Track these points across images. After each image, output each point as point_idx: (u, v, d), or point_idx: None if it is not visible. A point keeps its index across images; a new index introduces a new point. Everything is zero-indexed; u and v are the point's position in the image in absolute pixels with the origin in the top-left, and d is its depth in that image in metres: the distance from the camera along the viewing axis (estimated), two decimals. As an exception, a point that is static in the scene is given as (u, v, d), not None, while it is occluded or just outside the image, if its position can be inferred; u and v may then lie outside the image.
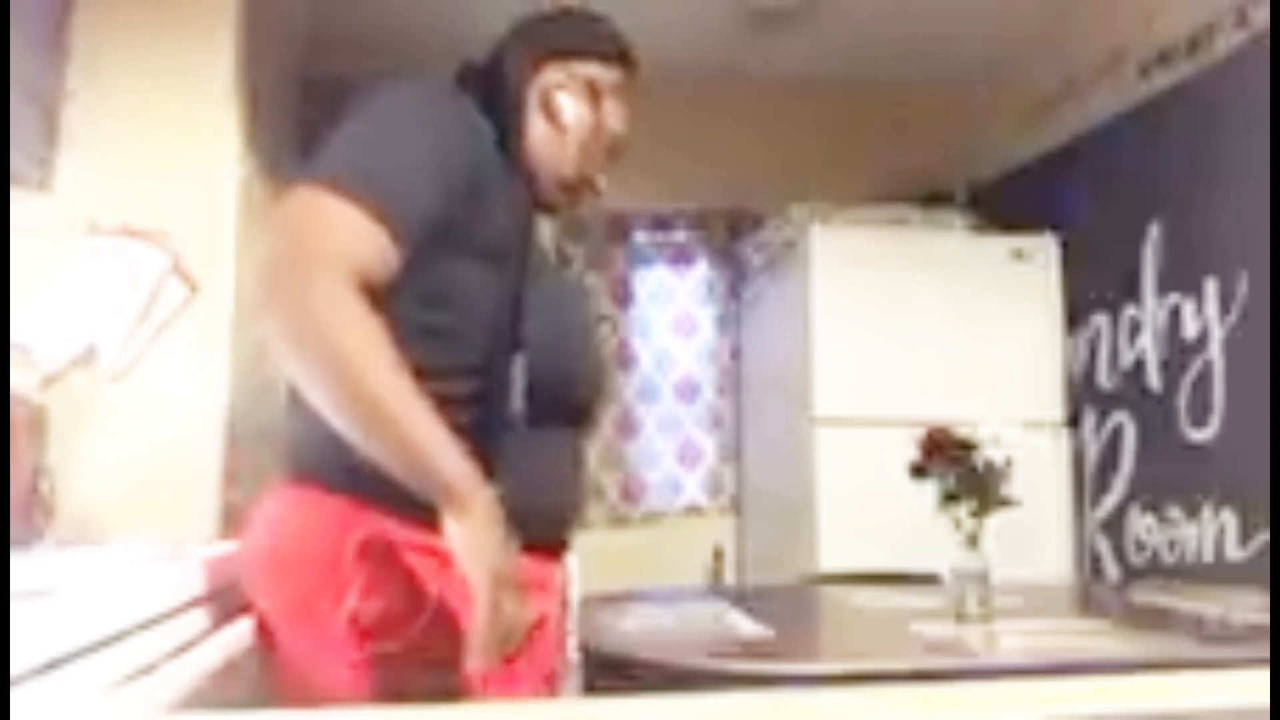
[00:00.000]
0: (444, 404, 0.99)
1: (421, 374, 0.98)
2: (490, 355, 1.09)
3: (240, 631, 1.50)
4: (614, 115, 1.28)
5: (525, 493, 1.05)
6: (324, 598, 1.02)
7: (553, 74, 1.25)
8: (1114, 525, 2.75)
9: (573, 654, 1.23)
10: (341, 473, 1.01)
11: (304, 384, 0.96)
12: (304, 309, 0.92)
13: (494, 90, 1.23)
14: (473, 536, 0.94)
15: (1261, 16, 2.31)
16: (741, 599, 1.96)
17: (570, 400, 1.21)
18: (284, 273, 0.94)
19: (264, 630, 1.13)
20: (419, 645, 1.01)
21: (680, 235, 3.53)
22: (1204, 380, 2.44)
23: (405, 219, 0.99)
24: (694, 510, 3.44)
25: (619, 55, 1.30)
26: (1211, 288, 2.43)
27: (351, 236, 0.96)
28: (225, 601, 1.54)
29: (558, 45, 1.27)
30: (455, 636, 0.99)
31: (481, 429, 1.05)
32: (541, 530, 1.14)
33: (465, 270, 1.10)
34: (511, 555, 0.97)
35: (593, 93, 1.26)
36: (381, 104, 1.12)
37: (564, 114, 1.24)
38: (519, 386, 1.09)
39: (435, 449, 0.94)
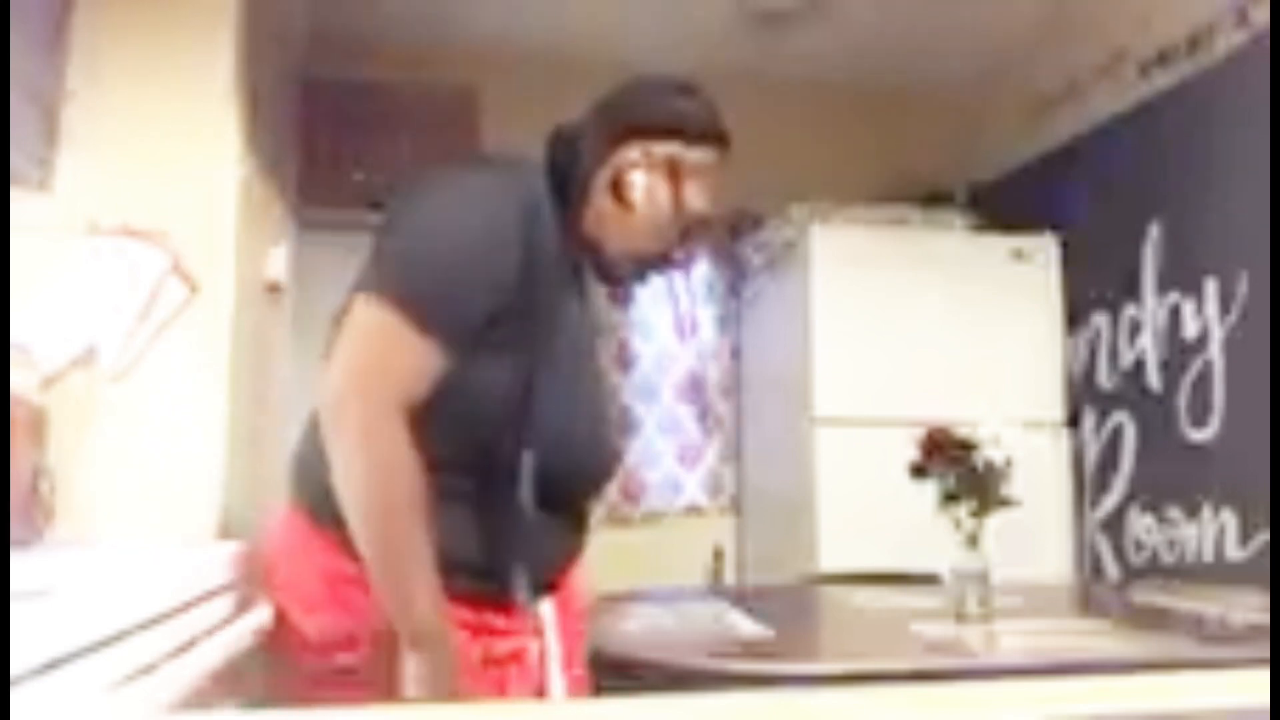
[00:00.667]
0: (446, 467, 1.07)
1: (427, 439, 1.05)
2: (501, 437, 1.13)
3: (239, 631, 1.49)
4: (695, 195, 1.26)
5: (513, 559, 1.14)
6: (297, 607, 1.14)
7: (629, 152, 1.23)
8: (1114, 525, 2.75)
9: (558, 689, 1.25)
10: (325, 512, 1.10)
11: (342, 492, 1.06)
12: (354, 442, 1.04)
13: (571, 162, 1.24)
14: (426, 671, 1.04)
15: (1261, 16, 2.31)
16: (741, 599, 1.96)
17: (572, 493, 1.24)
18: (343, 397, 1.05)
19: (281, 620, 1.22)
20: (371, 663, 1.08)
21: (680, 235, 3.53)
22: (1204, 380, 2.44)
23: (454, 328, 1.07)
24: (694, 510, 3.44)
25: (705, 134, 1.28)
26: (1211, 288, 2.43)
27: (403, 358, 1.05)
28: (224, 600, 1.54)
29: (638, 122, 1.25)
30: (394, 661, 1.07)
31: (482, 501, 1.13)
32: (524, 590, 1.18)
33: (488, 364, 1.12)
34: (450, 678, 1.05)
35: (672, 171, 1.24)
36: (434, 205, 1.14)
37: (633, 192, 1.22)
38: (528, 479, 1.13)
39: (422, 597, 1.04)
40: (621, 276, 1.29)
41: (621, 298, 3.44)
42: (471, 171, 1.21)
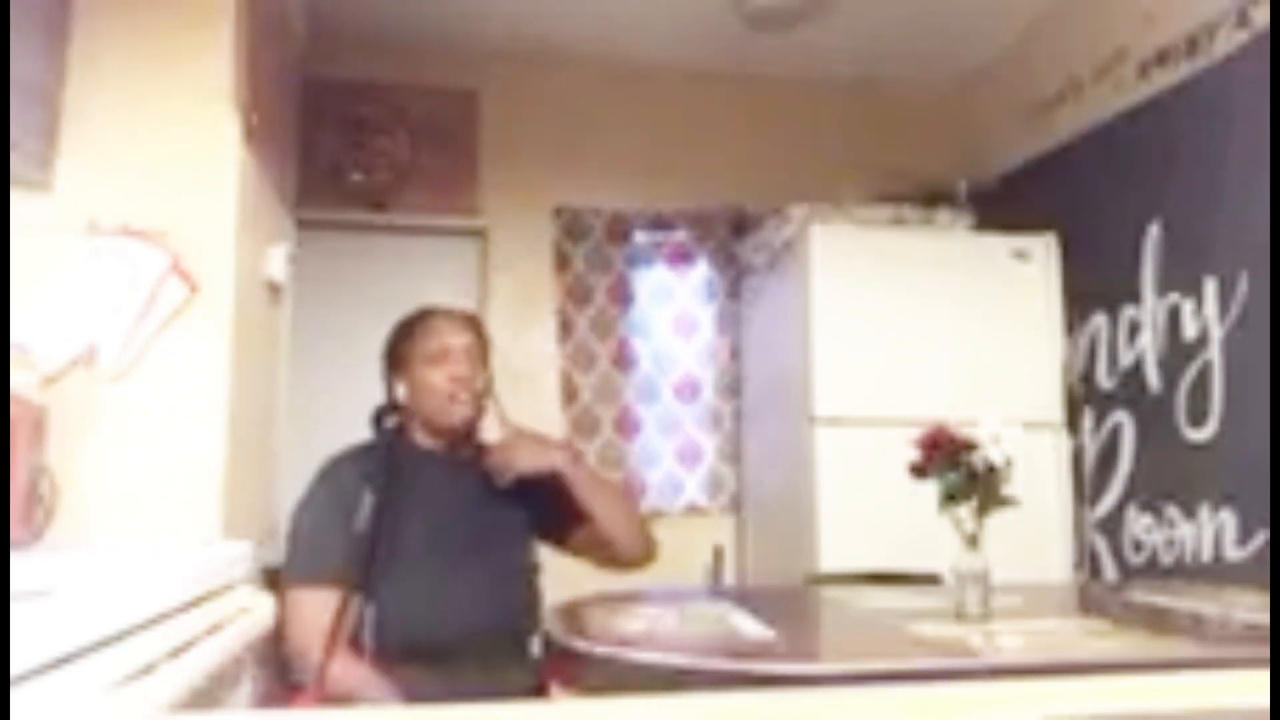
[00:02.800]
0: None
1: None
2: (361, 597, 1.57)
3: (238, 631, 1.49)
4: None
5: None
6: None
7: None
8: (1112, 525, 2.75)
9: None
10: None
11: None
12: (331, 682, 1.47)
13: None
14: None
15: (1261, 16, 2.31)
16: (742, 599, 1.96)
17: (423, 646, 1.55)
18: (293, 651, 1.51)
19: None
20: None
21: (680, 235, 3.53)
22: (1203, 380, 2.44)
23: (339, 569, 1.52)
24: (694, 510, 3.44)
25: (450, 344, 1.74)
26: (1211, 288, 2.43)
27: (319, 608, 1.49)
28: (225, 600, 1.54)
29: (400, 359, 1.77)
30: None
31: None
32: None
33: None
34: None
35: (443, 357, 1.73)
36: (303, 517, 1.65)
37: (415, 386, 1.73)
38: (368, 629, 1.54)
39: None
40: (448, 439, 1.75)
41: (620, 296, 3.43)
42: (315, 484, 1.68)
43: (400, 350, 1.76)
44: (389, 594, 1.55)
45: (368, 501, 1.56)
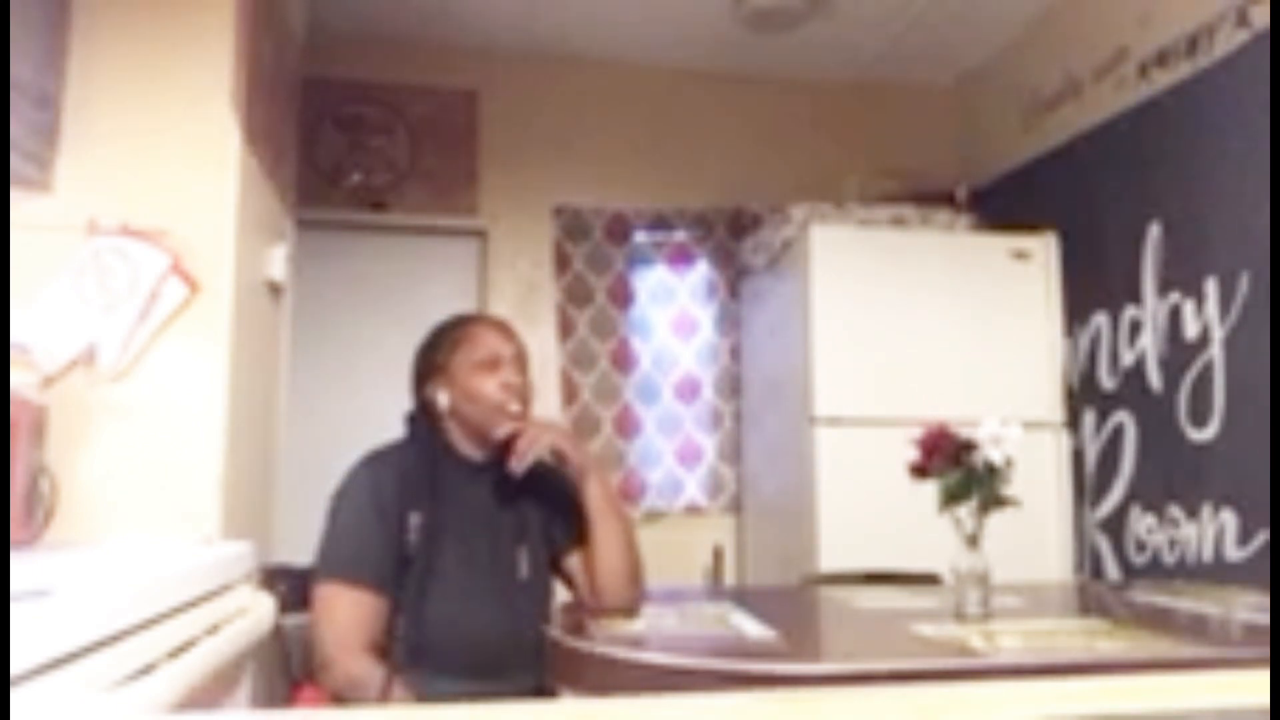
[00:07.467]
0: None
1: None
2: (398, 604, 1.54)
3: (238, 631, 1.49)
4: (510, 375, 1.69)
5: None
6: None
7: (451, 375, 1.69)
8: (1114, 525, 2.75)
9: None
10: None
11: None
12: (346, 683, 1.47)
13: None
14: None
15: (1261, 16, 2.31)
16: (742, 599, 1.96)
17: (462, 657, 1.54)
18: (327, 654, 1.49)
19: None
20: None
21: (680, 235, 3.54)
22: (1204, 380, 2.44)
23: (378, 575, 1.52)
24: (694, 510, 3.44)
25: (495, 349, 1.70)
26: (1212, 288, 2.43)
27: (355, 610, 1.50)
28: (225, 600, 1.54)
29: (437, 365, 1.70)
30: None
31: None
32: None
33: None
34: None
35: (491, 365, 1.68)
36: (342, 511, 1.59)
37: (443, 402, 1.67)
38: (398, 635, 1.51)
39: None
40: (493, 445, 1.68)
41: (620, 296, 3.44)
42: (359, 482, 1.61)
43: (441, 358, 1.70)
44: (424, 608, 1.52)
45: (415, 519, 1.54)
